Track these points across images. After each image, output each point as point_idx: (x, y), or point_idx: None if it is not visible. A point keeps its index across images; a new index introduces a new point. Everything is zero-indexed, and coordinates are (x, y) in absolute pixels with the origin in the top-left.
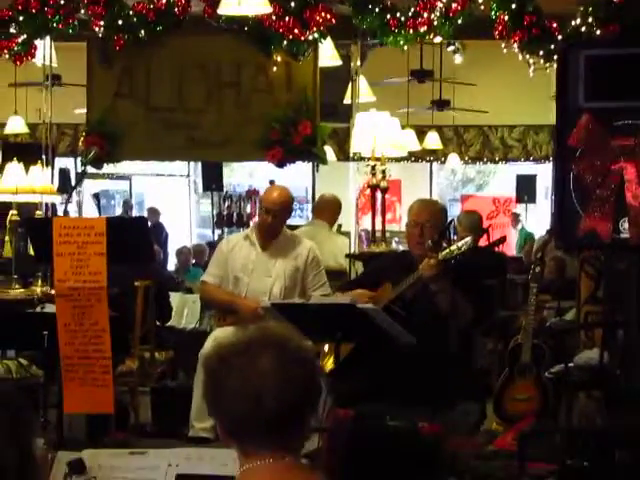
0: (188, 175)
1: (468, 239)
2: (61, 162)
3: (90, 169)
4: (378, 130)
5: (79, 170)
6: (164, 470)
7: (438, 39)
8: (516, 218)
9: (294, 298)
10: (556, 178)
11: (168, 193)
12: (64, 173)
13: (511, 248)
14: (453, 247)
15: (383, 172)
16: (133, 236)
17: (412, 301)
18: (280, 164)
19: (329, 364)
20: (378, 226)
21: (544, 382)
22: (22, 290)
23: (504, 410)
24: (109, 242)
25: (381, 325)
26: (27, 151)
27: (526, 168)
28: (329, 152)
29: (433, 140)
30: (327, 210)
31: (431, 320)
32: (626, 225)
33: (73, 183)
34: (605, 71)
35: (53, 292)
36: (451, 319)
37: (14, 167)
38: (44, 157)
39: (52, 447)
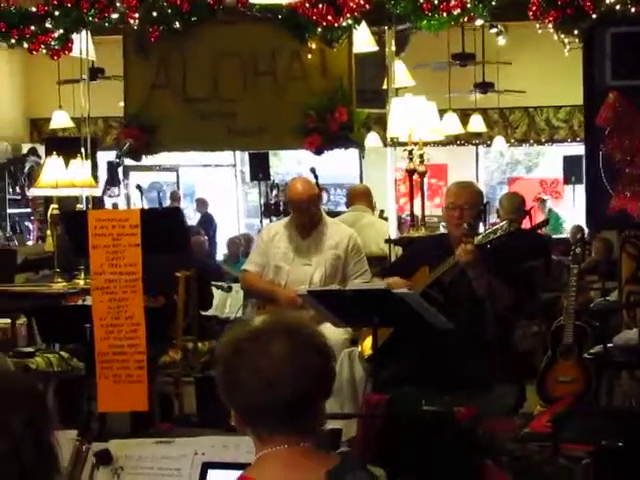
0: (235, 165)
1: (504, 223)
2: (109, 156)
3: (136, 161)
4: (414, 114)
5: (126, 163)
6: (190, 459)
7: (479, 22)
8: (543, 203)
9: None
10: (586, 159)
11: (216, 183)
12: (112, 166)
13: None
14: (489, 231)
15: (421, 156)
16: (168, 226)
17: (449, 286)
18: (318, 151)
19: (368, 350)
20: (418, 211)
21: (587, 363)
22: (65, 284)
23: (547, 392)
24: (144, 233)
25: (418, 310)
26: (68, 145)
27: (573, 149)
28: (375, 138)
29: (477, 123)
30: (363, 196)
31: (469, 305)
32: None
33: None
34: (632, 49)
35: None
36: (489, 304)
37: (54, 161)
38: (83, 150)
39: (93, 439)
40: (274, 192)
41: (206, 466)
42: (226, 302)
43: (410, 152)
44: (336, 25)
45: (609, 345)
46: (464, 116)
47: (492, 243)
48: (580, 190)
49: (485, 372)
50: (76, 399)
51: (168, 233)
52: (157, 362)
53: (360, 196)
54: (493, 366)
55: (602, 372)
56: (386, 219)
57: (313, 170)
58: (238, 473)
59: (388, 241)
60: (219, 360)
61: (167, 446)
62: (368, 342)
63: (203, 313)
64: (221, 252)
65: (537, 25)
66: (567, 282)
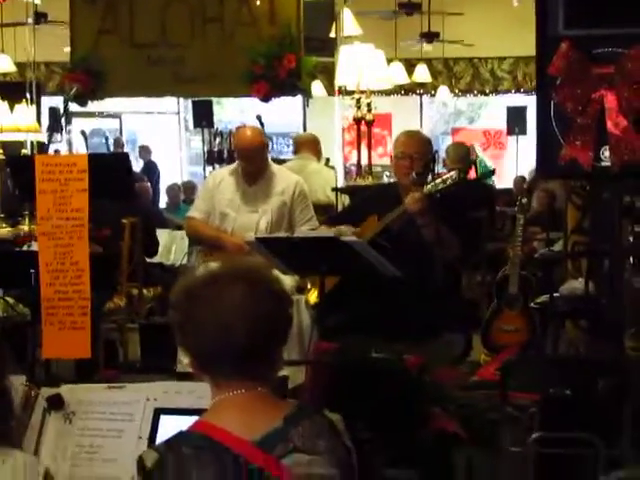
0: (178, 112)
1: (453, 173)
2: (51, 101)
3: (77, 107)
4: (362, 63)
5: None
6: (142, 404)
7: None
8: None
9: (280, 233)
10: (538, 108)
11: (159, 130)
12: (54, 112)
13: (504, 180)
14: (438, 181)
15: (368, 105)
16: (115, 172)
17: (398, 234)
18: (265, 98)
19: (314, 297)
20: (365, 160)
21: (531, 313)
22: (9, 229)
23: (492, 341)
24: (91, 179)
25: (366, 258)
26: (13, 90)
27: (517, 100)
28: (319, 87)
29: (422, 73)
30: (309, 144)
31: (417, 253)
32: (607, 153)
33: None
34: None
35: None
36: (437, 252)
37: None
38: (29, 95)
39: (39, 385)
40: (217, 140)
41: (159, 412)
42: (171, 248)
43: (358, 100)
44: None
45: (555, 295)
46: (409, 66)
47: (441, 192)
48: (523, 141)
49: (433, 320)
50: (21, 345)
51: (115, 179)
52: (101, 309)
53: (307, 144)
54: (441, 314)
55: (547, 321)
56: (332, 167)
57: (259, 118)
58: (191, 419)
59: (335, 189)
60: (175, 305)
61: (119, 391)
62: (315, 289)
63: (148, 260)
64: (164, 200)
65: None
66: (511, 233)
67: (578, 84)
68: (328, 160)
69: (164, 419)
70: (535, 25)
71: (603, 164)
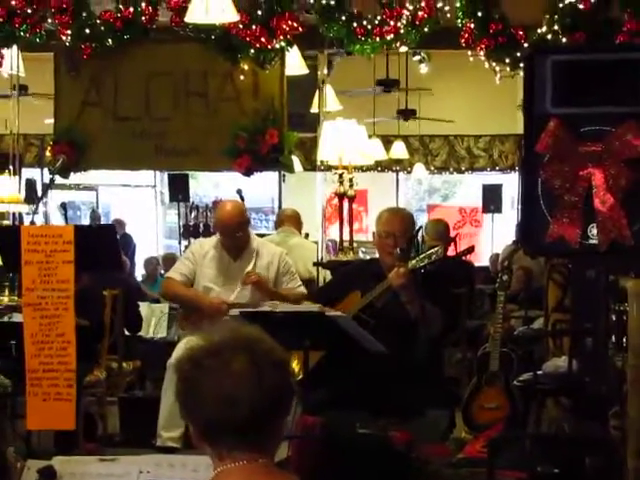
0: (154, 186)
1: (438, 248)
2: (28, 173)
3: (57, 179)
4: (345, 138)
5: (45, 181)
6: (135, 476)
7: (404, 48)
8: None
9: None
10: (524, 184)
11: (135, 204)
12: (30, 184)
13: (480, 258)
14: (422, 256)
15: (350, 180)
16: (101, 244)
17: (381, 310)
18: (247, 173)
19: (297, 373)
20: (346, 235)
21: (512, 390)
22: None
23: (473, 419)
24: (77, 250)
25: (350, 333)
26: None
27: (492, 178)
28: (296, 162)
29: (399, 150)
30: (291, 219)
31: (400, 329)
32: (594, 231)
33: (39, 194)
34: (572, 77)
35: (21, 301)
36: (420, 328)
37: None
38: (11, 167)
39: (21, 457)
40: (193, 214)
41: None
42: (150, 321)
43: (340, 176)
44: (269, 47)
45: (538, 372)
46: (386, 142)
47: (426, 267)
48: (498, 219)
49: (417, 397)
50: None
51: (101, 251)
52: (82, 381)
53: (289, 219)
54: (425, 391)
55: (529, 399)
56: (315, 242)
57: (239, 192)
58: None
59: (317, 264)
60: (178, 376)
61: (111, 464)
62: (298, 365)
63: (127, 333)
64: (139, 273)
65: (469, 53)
66: (488, 310)
67: (566, 161)
68: (307, 235)
69: None
70: (523, 103)
71: (590, 242)
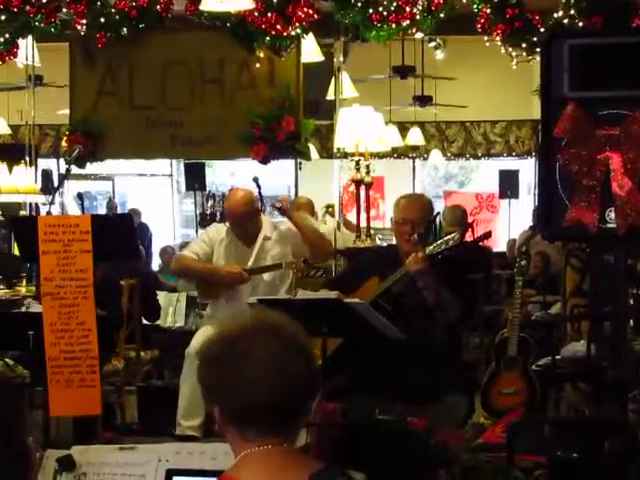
0: (171, 175)
1: (455, 234)
2: (43, 163)
3: (73, 169)
4: (361, 125)
5: (61, 171)
6: (154, 465)
7: (420, 35)
8: None
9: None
10: (541, 169)
11: (151, 193)
12: (46, 174)
13: (496, 243)
14: (440, 242)
15: (367, 167)
16: (118, 234)
17: (399, 296)
18: (264, 160)
19: (317, 359)
20: (363, 222)
21: (531, 375)
22: (7, 290)
23: (491, 404)
24: (94, 240)
25: (368, 320)
26: (10, 152)
27: (509, 163)
28: (312, 149)
29: (415, 136)
30: (305, 207)
31: (418, 315)
32: (612, 215)
33: (55, 184)
34: (589, 60)
35: (39, 291)
36: (437, 314)
37: None
38: (27, 158)
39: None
40: (210, 202)
41: (170, 473)
42: (168, 311)
43: (357, 162)
44: (285, 34)
45: (557, 357)
46: (402, 129)
47: (443, 253)
48: (515, 204)
49: (436, 382)
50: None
51: (119, 240)
52: (100, 371)
53: (303, 207)
54: (444, 376)
55: (548, 384)
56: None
57: (256, 180)
58: None
59: (334, 252)
60: (208, 359)
61: (130, 452)
62: (317, 351)
63: (145, 322)
64: (156, 262)
65: (485, 38)
66: (505, 295)
67: (583, 145)
68: (325, 222)
69: None
70: (540, 87)
71: (609, 226)
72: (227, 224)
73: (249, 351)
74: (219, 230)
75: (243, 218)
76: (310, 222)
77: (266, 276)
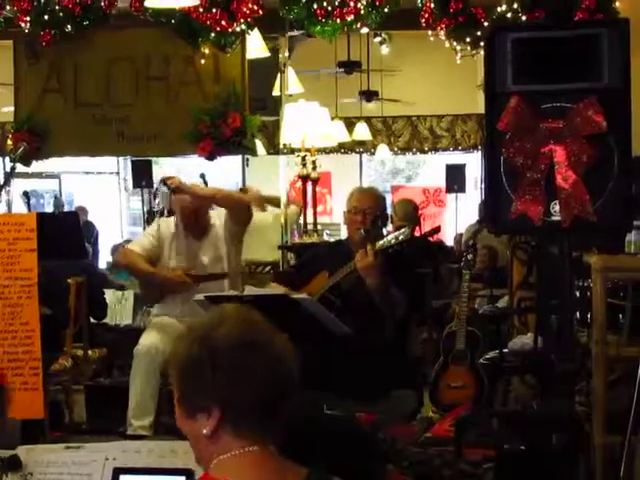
0: (118, 172)
1: (405, 229)
2: None
3: (19, 168)
4: (307, 120)
5: (7, 169)
6: (101, 464)
7: (365, 30)
8: None
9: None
10: (486, 162)
11: (98, 191)
12: None
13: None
14: (390, 237)
15: (314, 163)
16: (65, 232)
17: (348, 291)
18: (210, 157)
19: None
20: (310, 218)
21: (478, 369)
22: None
23: (440, 398)
24: (40, 238)
25: (316, 315)
26: None
27: (455, 158)
28: (258, 146)
29: (362, 131)
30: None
31: (366, 310)
32: (557, 208)
33: (1, 182)
34: (532, 54)
35: None
36: (386, 309)
37: None
38: None
39: None
40: (157, 200)
41: (118, 471)
42: (116, 309)
43: (303, 158)
44: (230, 30)
45: (504, 350)
46: (349, 124)
47: (393, 248)
48: (462, 198)
49: (384, 377)
50: None
51: (65, 239)
52: (47, 370)
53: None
54: (392, 371)
55: (496, 377)
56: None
57: (203, 176)
58: (151, 478)
59: (281, 247)
60: (222, 353)
61: (77, 451)
62: None
63: (93, 321)
64: (103, 260)
65: (429, 33)
66: (456, 289)
67: (527, 139)
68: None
69: (123, 479)
70: (484, 81)
71: (553, 219)
72: (175, 218)
73: (271, 345)
74: (168, 224)
75: (192, 212)
76: (257, 219)
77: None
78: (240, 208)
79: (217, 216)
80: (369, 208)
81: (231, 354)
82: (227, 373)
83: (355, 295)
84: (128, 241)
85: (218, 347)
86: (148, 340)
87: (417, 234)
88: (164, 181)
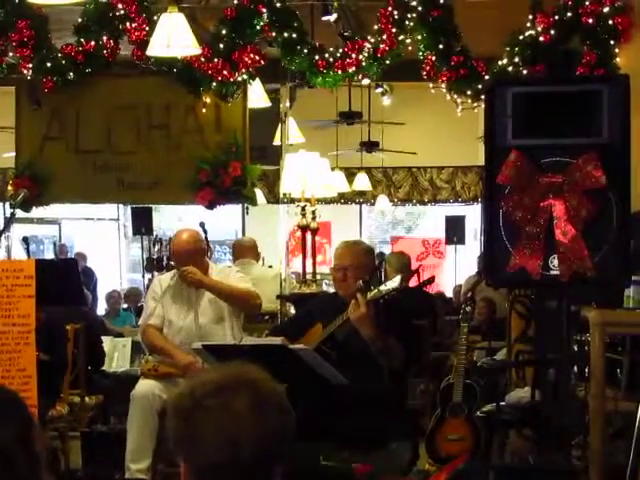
0: (118, 219)
1: (397, 279)
2: None
3: (19, 213)
4: (308, 170)
5: (7, 215)
6: None
7: (366, 81)
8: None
9: (224, 324)
10: (485, 216)
11: (98, 237)
12: None
13: (443, 289)
14: (382, 287)
15: (313, 213)
16: (63, 279)
17: (343, 342)
18: (210, 206)
19: None
20: (309, 268)
21: (476, 421)
22: None
23: (437, 450)
24: (39, 284)
25: (312, 366)
26: None
27: (455, 209)
28: (259, 194)
29: (362, 182)
30: (250, 250)
31: (362, 361)
32: (556, 262)
33: (1, 228)
34: (533, 108)
35: None
36: (383, 360)
37: None
38: None
39: None
40: (157, 247)
41: None
42: (113, 356)
43: (303, 208)
44: (231, 80)
45: (501, 403)
46: (349, 174)
47: (385, 298)
48: (461, 250)
49: (380, 428)
50: None
51: (64, 285)
52: (44, 416)
53: (247, 250)
54: (388, 422)
55: (493, 430)
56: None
57: (202, 225)
58: None
59: (280, 297)
60: (176, 413)
61: None
62: None
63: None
64: (102, 307)
65: (430, 85)
66: (455, 341)
67: (527, 193)
68: (271, 267)
69: None
70: (484, 135)
71: (552, 273)
72: (173, 271)
73: (226, 407)
74: (161, 280)
75: (188, 257)
76: (256, 273)
77: (211, 316)
78: (251, 307)
79: (217, 272)
80: (351, 264)
81: (183, 413)
82: (184, 432)
83: (350, 346)
84: (129, 291)
85: (182, 404)
86: (145, 385)
87: (413, 285)
88: (180, 274)
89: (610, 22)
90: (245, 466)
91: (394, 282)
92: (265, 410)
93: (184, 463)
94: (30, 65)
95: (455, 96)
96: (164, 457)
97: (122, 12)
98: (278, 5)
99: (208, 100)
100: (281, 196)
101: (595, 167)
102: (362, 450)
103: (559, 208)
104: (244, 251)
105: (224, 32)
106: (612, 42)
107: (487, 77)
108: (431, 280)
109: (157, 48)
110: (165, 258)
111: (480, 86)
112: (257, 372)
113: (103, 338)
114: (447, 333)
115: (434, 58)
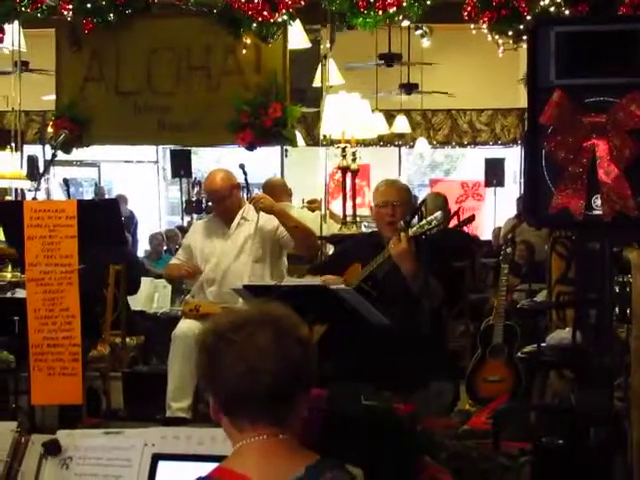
0: (157, 161)
1: (438, 214)
2: (29, 150)
3: (59, 155)
4: (348, 112)
5: (47, 157)
6: (140, 450)
7: (406, 22)
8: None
9: (266, 265)
10: (527, 156)
11: (137, 180)
12: (32, 160)
13: (482, 231)
14: (423, 222)
15: (353, 154)
16: (104, 219)
17: (383, 281)
18: (250, 147)
19: None
20: (349, 210)
21: (516, 363)
22: None
23: (476, 391)
24: (80, 225)
25: (353, 306)
26: None
27: (494, 152)
28: (298, 137)
29: (402, 124)
30: (282, 191)
31: (402, 300)
32: (599, 202)
33: (41, 170)
34: (576, 48)
35: (24, 277)
36: (423, 299)
37: None
38: (13, 144)
39: (25, 432)
40: (195, 189)
41: (156, 457)
42: (153, 297)
43: (343, 150)
44: (271, 21)
45: (542, 345)
46: (388, 117)
47: (426, 234)
48: (501, 193)
49: (422, 369)
50: (5, 392)
51: (105, 226)
52: (85, 357)
53: (280, 192)
54: (429, 363)
55: (533, 371)
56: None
57: (242, 166)
58: (189, 465)
59: (320, 238)
60: (202, 348)
61: (116, 436)
62: None
63: (132, 309)
64: (142, 249)
65: (472, 26)
66: (492, 284)
67: (569, 133)
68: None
69: (162, 465)
70: (526, 75)
71: (595, 213)
72: (208, 216)
73: (248, 340)
74: (195, 227)
75: (223, 194)
76: (295, 216)
77: (252, 258)
78: (312, 245)
79: (259, 219)
80: (396, 200)
81: (212, 348)
82: (210, 365)
83: (391, 284)
84: (169, 232)
85: (206, 341)
86: (186, 324)
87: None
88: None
89: None
90: (266, 394)
91: (436, 218)
92: (285, 342)
93: (212, 398)
94: (70, 6)
95: (496, 37)
96: (204, 397)
97: None
98: None
99: (248, 41)
100: (321, 138)
101: (639, 107)
102: (403, 390)
103: (602, 148)
104: (278, 193)
105: None
106: None
107: (529, 17)
108: (471, 219)
109: None
110: (204, 200)
111: (522, 27)
112: (279, 309)
113: (144, 279)
114: (482, 276)
115: None
